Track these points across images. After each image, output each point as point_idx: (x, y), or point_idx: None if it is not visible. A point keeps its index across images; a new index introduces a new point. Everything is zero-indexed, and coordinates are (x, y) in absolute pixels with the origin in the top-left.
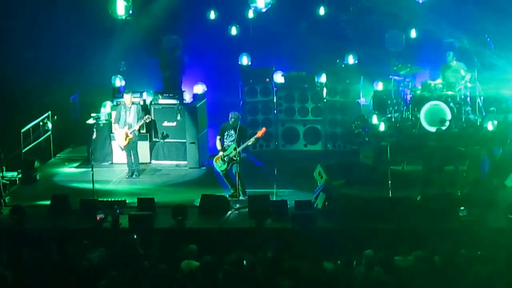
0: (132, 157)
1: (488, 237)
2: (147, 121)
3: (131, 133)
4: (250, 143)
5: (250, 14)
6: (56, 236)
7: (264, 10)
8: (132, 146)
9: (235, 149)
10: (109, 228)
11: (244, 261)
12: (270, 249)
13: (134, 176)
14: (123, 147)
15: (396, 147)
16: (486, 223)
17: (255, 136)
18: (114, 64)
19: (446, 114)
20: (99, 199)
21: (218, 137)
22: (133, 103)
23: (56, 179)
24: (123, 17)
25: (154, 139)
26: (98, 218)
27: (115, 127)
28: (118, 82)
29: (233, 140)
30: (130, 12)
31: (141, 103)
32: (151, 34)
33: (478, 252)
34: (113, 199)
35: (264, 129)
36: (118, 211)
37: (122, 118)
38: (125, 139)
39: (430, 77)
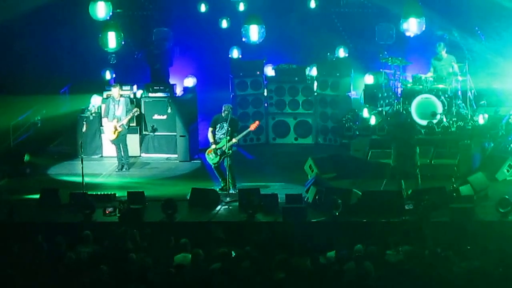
0: (122, 151)
1: (479, 231)
2: (136, 114)
3: (119, 126)
4: (242, 136)
5: (241, 7)
6: (46, 229)
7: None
8: (121, 139)
9: (227, 142)
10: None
11: (233, 253)
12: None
13: (124, 169)
14: (112, 141)
15: (387, 140)
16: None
17: (248, 129)
18: (104, 57)
19: (437, 107)
20: (89, 193)
21: (210, 129)
22: (121, 96)
23: (45, 172)
24: (115, 49)
25: (144, 132)
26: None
27: (104, 120)
28: (108, 75)
29: (224, 133)
30: (122, 43)
31: (131, 96)
32: (142, 27)
33: (468, 247)
34: (103, 193)
35: (257, 122)
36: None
37: (110, 111)
38: (114, 133)
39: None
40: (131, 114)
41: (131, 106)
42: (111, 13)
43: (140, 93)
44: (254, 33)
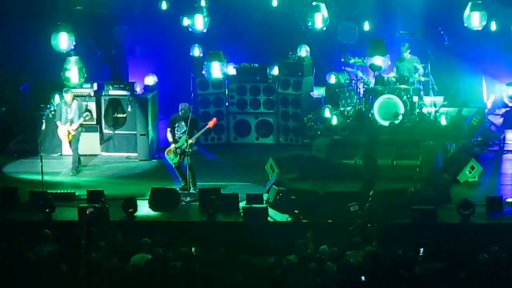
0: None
1: (440, 233)
2: (87, 118)
3: (73, 130)
4: (201, 134)
5: (202, 5)
6: (4, 229)
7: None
8: (73, 142)
9: (186, 141)
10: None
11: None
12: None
13: (71, 173)
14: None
15: (349, 140)
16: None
17: (206, 127)
18: (64, 54)
19: (399, 108)
20: (49, 191)
21: (168, 129)
22: (74, 98)
23: (4, 170)
24: (77, 85)
25: (104, 131)
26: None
27: (58, 123)
28: None
29: (184, 132)
30: (85, 75)
31: (92, 94)
32: (102, 25)
33: (429, 248)
34: (62, 191)
35: (215, 119)
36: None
37: (63, 114)
38: (67, 136)
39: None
40: (81, 119)
41: (83, 110)
42: (74, 43)
43: (100, 91)
44: (216, 70)
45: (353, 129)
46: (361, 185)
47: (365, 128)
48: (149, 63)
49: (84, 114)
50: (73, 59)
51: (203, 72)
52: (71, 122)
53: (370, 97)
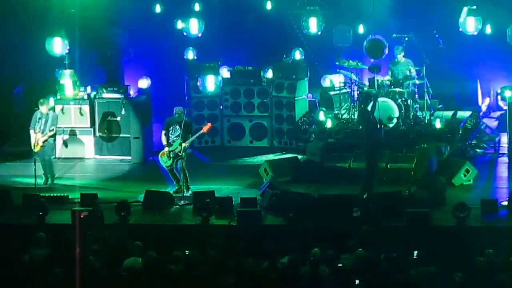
0: (45, 164)
1: (435, 236)
2: (51, 134)
3: (41, 141)
4: (195, 138)
5: (197, 8)
6: None
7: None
8: (43, 152)
9: (180, 144)
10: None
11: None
12: None
13: (48, 182)
14: (34, 152)
15: (343, 144)
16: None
17: (201, 131)
18: (58, 57)
19: (394, 111)
20: (42, 194)
21: (163, 132)
22: (50, 109)
23: None
24: (73, 98)
25: (97, 134)
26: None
27: (31, 132)
28: None
29: (178, 135)
30: (80, 87)
31: (85, 97)
32: (96, 27)
33: (424, 251)
34: (56, 194)
35: (209, 124)
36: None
37: (37, 124)
38: (36, 146)
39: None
40: (50, 132)
41: (56, 122)
42: (68, 47)
43: (94, 94)
44: (210, 83)
45: (347, 133)
46: (360, 186)
47: (369, 129)
48: (143, 66)
49: (51, 128)
50: (67, 72)
51: (198, 84)
52: (42, 132)
53: (374, 98)
